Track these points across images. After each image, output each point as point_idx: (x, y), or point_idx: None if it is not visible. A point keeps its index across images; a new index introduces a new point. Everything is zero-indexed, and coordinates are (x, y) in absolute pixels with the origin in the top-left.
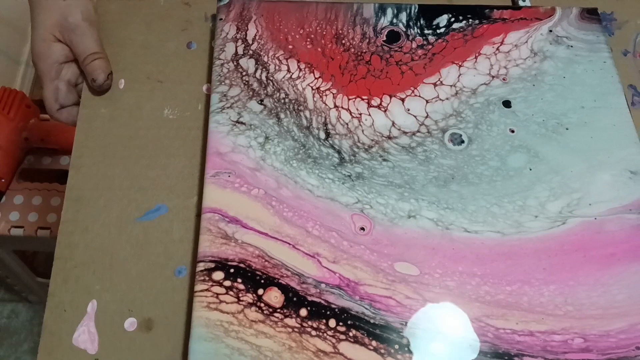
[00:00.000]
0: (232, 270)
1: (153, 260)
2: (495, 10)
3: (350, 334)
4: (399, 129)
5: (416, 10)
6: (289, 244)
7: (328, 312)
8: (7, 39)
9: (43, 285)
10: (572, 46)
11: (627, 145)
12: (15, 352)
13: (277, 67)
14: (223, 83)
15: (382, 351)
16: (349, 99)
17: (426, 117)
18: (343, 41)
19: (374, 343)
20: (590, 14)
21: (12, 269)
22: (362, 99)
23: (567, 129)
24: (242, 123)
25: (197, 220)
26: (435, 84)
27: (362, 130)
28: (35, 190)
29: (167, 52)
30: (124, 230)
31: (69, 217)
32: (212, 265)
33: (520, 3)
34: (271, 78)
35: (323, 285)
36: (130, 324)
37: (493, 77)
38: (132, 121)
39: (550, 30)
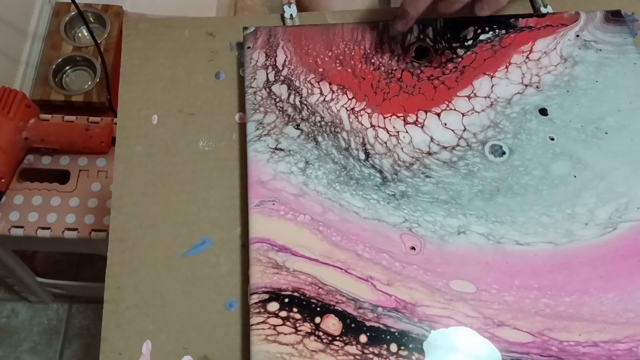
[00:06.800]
0: (286, 300)
1: (203, 296)
2: (520, 19)
3: (414, 358)
4: (438, 144)
5: (442, 25)
6: (341, 268)
7: (388, 337)
8: (7, 39)
9: (43, 285)
10: (600, 49)
11: None
12: (14, 351)
13: (309, 91)
14: (258, 111)
15: None
16: (384, 117)
17: (464, 130)
18: (372, 60)
19: None
20: (615, 17)
21: (12, 269)
22: (398, 117)
23: (606, 133)
24: (280, 149)
25: (242, 251)
26: (469, 97)
27: (402, 148)
28: (35, 190)
29: (196, 84)
30: (171, 267)
31: (116, 260)
32: (266, 296)
33: (542, 10)
34: (305, 102)
35: (380, 309)
36: None
37: (526, 85)
38: (168, 156)
39: (577, 35)
